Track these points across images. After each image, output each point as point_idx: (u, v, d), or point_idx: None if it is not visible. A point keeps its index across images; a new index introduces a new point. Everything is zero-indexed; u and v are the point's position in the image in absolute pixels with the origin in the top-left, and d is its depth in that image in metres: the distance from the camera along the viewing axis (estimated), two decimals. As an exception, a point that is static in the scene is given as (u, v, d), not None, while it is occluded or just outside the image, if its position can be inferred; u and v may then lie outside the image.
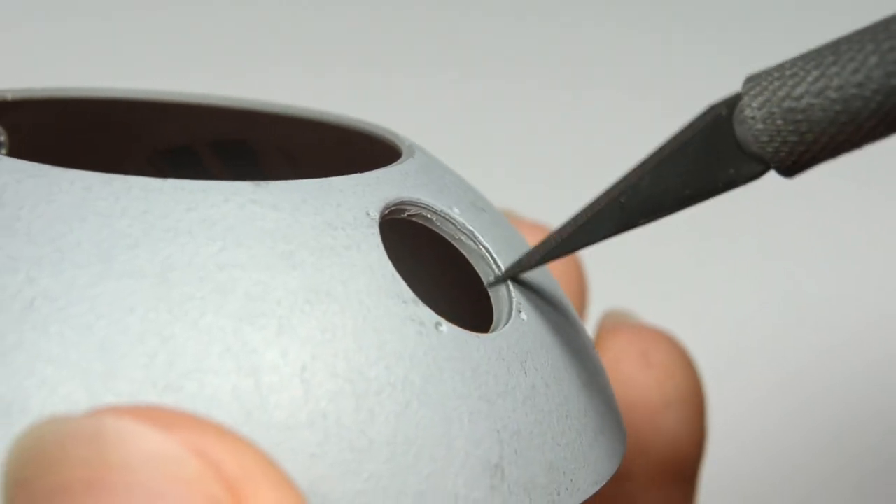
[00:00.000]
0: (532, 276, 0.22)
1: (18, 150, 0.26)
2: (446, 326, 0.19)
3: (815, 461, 0.45)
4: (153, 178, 0.18)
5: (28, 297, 0.17)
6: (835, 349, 0.46)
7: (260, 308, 0.17)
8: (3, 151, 0.25)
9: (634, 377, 0.28)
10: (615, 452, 0.21)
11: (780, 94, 0.18)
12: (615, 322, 0.30)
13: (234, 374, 0.16)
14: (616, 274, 0.34)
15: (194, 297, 0.17)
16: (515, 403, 0.19)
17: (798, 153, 0.18)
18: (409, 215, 0.21)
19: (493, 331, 0.20)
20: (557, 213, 0.31)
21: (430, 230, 0.21)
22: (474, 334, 0.19)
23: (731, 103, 0.18)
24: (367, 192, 0.20)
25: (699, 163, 0.19)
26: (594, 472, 0.20)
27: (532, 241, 0.29)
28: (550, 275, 0.24)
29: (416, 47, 0.49)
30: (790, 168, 0.18)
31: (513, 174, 0.46)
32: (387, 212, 0.20)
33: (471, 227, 0.21)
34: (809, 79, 0.17)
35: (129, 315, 0.17)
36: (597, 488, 0.20)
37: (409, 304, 0.18)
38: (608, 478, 0.20)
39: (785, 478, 0.44)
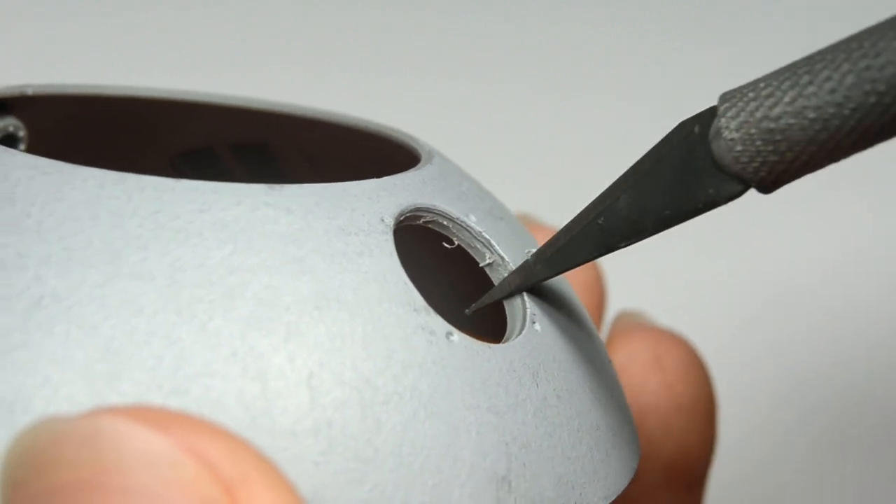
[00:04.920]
0: (549, 285, 0.22)
1: (38, 146, 0.26)
2: (457, 336, 0.18)
3: (817, 461, 0.44)
4: (166, 178, 0.18)
5: (35, 295, 0.16)
6: (838, 350, 0.46)
7: (268, 313, 0.17)
8: (23, 147, 0.25)
9: (646, 380, 0.28)
10: (627, 468, 0.21)
11: (758, 114, 0.17)
12: (627, 324, 0.29)
13: (240, 379, 0.16)
14: (625, 272, 0.34)
15: (203, 300, 0.17)
16: (525, 416, 0.19)
17: (778, 172, 0.18)
18: (424, 222, 0.21)
19: (506, 341, 0.20)
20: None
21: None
22: (486, 344, 0.19)
23: (704, 121, 0.18)
24: (383, 197, 0.20)
25: (677, 182, 0.18)
26: (604, 486, 0.20)
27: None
28: (568, 284, 0.23)
29: (443, 52, 0.49)
30: (769, 186, 0.18)
31: (532, 177, 0.46)
32: (402, 218, 0.20)
33: (487, 236, 0.21)
34: (786, 98, 0.17)
35: (137, 316, 0.16)
36: (607, 503, 0.20)
37: (421, 312, 0.18)
38: (619, 492, 0.20)
39: (788, 479, 0.44)
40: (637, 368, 0.28)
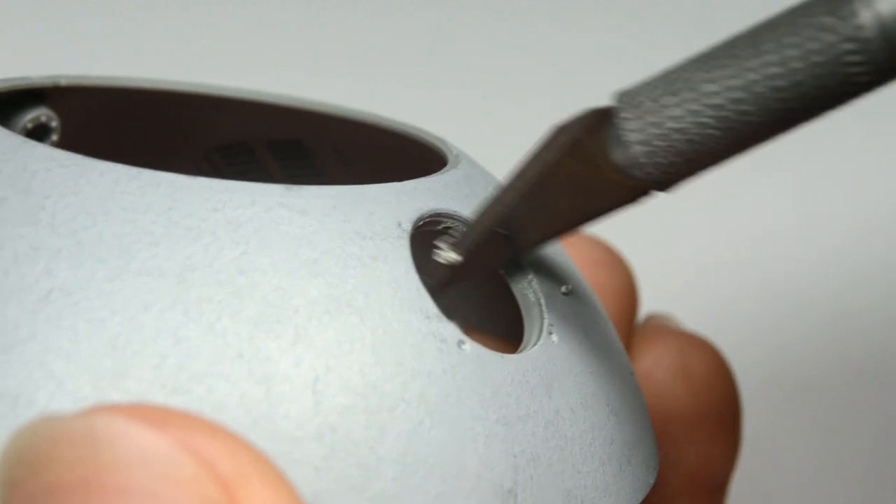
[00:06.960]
0: (571, 294, 0.21)
1: (71, 139, 0.26)
2: (469, 345, 0.18)
3: (818, 460, 0.44)
4: (181, 175, 0.18)
5: (45, 288, 0.16)
6: (845, 354, 0.45)
7: (277, 315, 0.17)
8: (55, 137, 0.25)
9: (672, 387, 0.28)
10: (641, 483, 0.20)
11: (660, 121, 0.17)
12: (655, 328, 0.29)
13: (244, 381, 0.16)
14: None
15: (212, 299, 0.17)
16: (536, 428, 0.18)
17: (676, 170, 0.18)
18: (444, 228, 0.20)
19: (521, 351, 0.19)
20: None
21: None
22: (499, 354, 0.18)
23: (588, 125, 0.18)
24: (402, 201, 0.19)
25: (577, 190, 0.18)
26: (616, 502, 0.19)
27: (572, 251, 0.29)
28: (591, 293, 0.23)
29: (479, 56, 0.49)
30: (670, 184, 0.18)
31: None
32: (420, 223, 0.20)
33: None
34: (684, 96, 0.17)
35: (144, 313, 0.16)
36: None
37: (433, 319, 0.18)
38: None
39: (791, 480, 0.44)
40: (663, 374, 0.28)
